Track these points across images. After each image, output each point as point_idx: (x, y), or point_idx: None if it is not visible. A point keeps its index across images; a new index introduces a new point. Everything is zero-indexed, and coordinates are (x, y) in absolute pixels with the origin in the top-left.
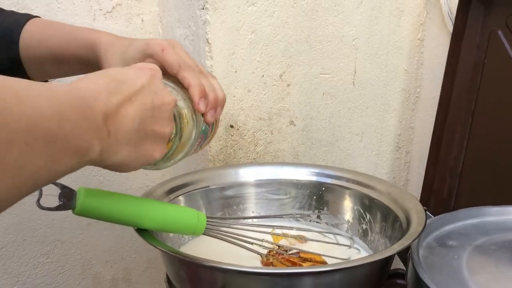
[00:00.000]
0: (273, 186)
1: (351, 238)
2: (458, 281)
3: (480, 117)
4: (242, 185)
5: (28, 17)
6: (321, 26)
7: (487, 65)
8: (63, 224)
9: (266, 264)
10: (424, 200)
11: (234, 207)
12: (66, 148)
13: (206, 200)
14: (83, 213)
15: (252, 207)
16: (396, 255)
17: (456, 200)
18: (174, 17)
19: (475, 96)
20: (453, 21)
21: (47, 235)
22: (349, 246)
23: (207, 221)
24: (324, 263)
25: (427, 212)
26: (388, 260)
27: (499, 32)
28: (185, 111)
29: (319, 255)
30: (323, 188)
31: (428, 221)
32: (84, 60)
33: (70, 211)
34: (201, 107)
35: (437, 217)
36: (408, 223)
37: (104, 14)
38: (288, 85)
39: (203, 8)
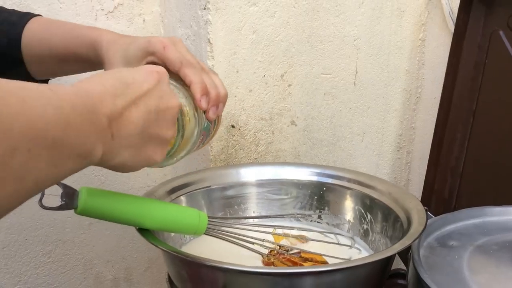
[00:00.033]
0: (274, 186)
1: (352, 238)
2: (459, 281)
3: (481, 117)
4: (243, 185)
5: (29, 15)
6: (323, 26)
7: (488, 65)
8: (65, 224)
9: (267, 264)
10: (425, 200)
11: (235, 207)
12: (70, 153)
13: (207, 200)
14: (85, 213)
15: (253, 207)
16: (397, 255)
17: (457, 200)
18: (176, 17)
19: (476, 96)
20: (455, 21)
21: (49, 235)
22: (350, 246)
23: (209, 221)
24: (325, 263)
25: (428, 212)
26: (389, 260)
27: (501, 32)
28: (187, 109)
29: (320, 255)
30: (324, 188)
31: (429, 221)
32: (86, 58)
33: (72, 211)
34: (203, 104)
35: (438, 217)
36: (409, 223)
37: (106, 14)
38: (290, 85)
39: (204, 8)
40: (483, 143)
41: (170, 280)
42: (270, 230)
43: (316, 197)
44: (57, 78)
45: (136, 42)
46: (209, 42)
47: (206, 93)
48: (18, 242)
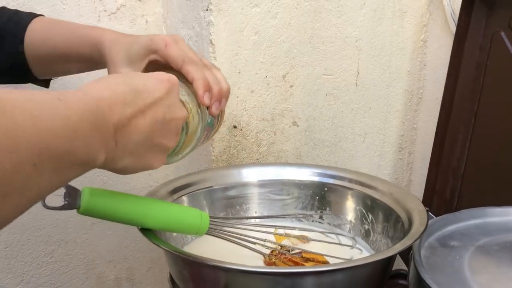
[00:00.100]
0: (276, 187)
1: (353, 238)
2: (460, 282)
3: (483, 118)
4: (245, 185)
5: (32, 15)
6: (324, 27)
7: (489, 66)
8: (68, 224)
9: (268, 263)
10: (427, 200)
11: (237, 207)
12: (74, 162)
13: (209, 200)
14: (88, 213)
15: (255, 207)
16: (398, 256)
17: (458, 201)
18: (178, 18)
19: (478, 97)
20: (456, 22)
21: (51, 235)
22: (351, 246)
23: (210, 221)
24: (326, 263)
25: (430, 213)
26: (390, 260)
27: (502, 33)
28: (190, 106)
29: (322, 255)
30: (326, 189)
31: (430, 221)
32: (89, 58)
33: (74, 211)
34: (206, 100)
35: (439, 217)
36: (410, 223)
37: (108, 15)
38: (291, 86)
39: (207, 9)
40: (484, 144)
41: (172, 280)
42: (272, 230)
43: (317, 198)
44: (59, 78)
45: (139, 40)
46: (211, 43)
47: (208, 89)
48: (21, 242)
